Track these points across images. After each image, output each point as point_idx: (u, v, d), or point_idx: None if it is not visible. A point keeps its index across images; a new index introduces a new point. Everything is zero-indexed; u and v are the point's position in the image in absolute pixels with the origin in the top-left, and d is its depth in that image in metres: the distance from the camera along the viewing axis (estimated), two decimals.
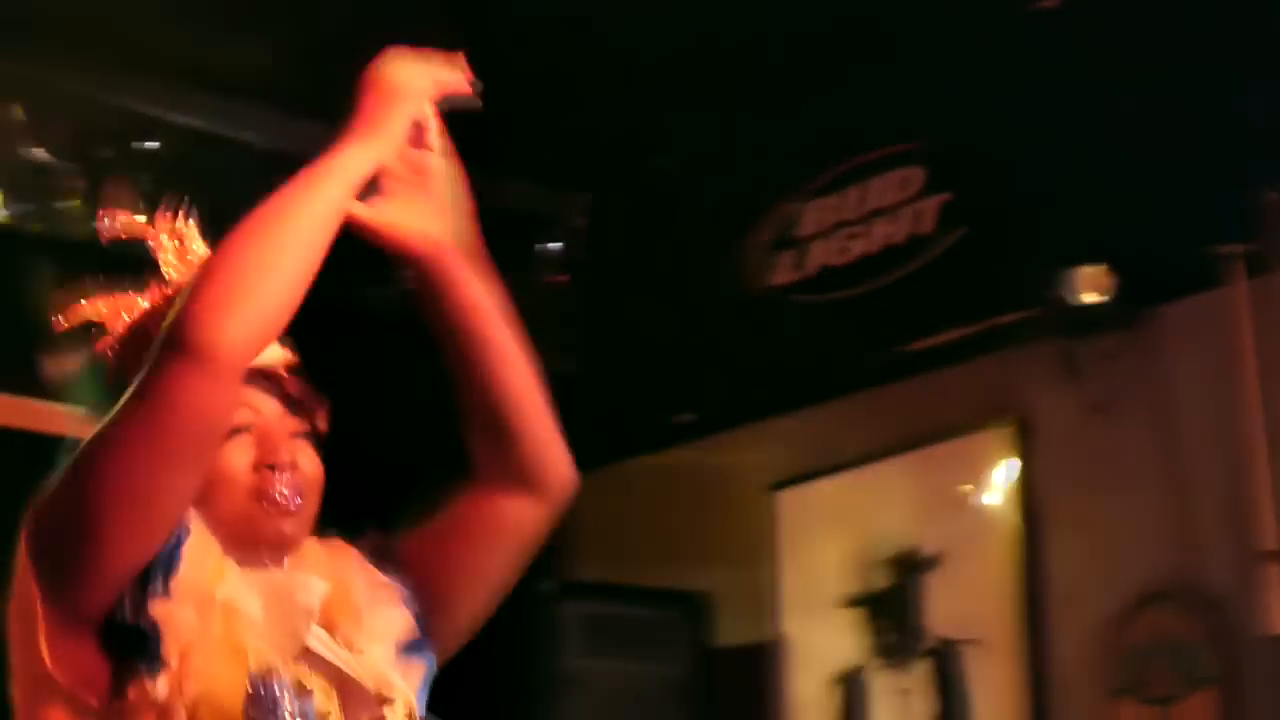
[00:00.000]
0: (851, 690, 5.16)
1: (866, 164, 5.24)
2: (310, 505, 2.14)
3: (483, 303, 2.23)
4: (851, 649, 5.18)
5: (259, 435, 2.11)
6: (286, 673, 2.05)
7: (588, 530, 5.60)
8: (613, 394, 5.47)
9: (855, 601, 5.19)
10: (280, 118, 4.93)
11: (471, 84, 2.19)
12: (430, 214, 2.21)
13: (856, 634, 5.18)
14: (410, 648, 2.20)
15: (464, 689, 5.36)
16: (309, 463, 2.14)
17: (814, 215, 5.32)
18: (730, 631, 5.29)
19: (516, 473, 2.26)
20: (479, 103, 2.21)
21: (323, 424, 2.17)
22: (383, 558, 2.22)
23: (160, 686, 1.96)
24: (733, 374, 5.39)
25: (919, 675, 5.05)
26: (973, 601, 4.98)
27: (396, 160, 2.17)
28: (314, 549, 2.18)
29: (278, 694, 2.02)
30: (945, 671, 5.00)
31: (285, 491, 2.10)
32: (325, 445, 2.17)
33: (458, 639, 2.31)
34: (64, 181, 4.90)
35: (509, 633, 5.03)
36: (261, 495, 2.09)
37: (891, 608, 5.13)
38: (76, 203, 4.89)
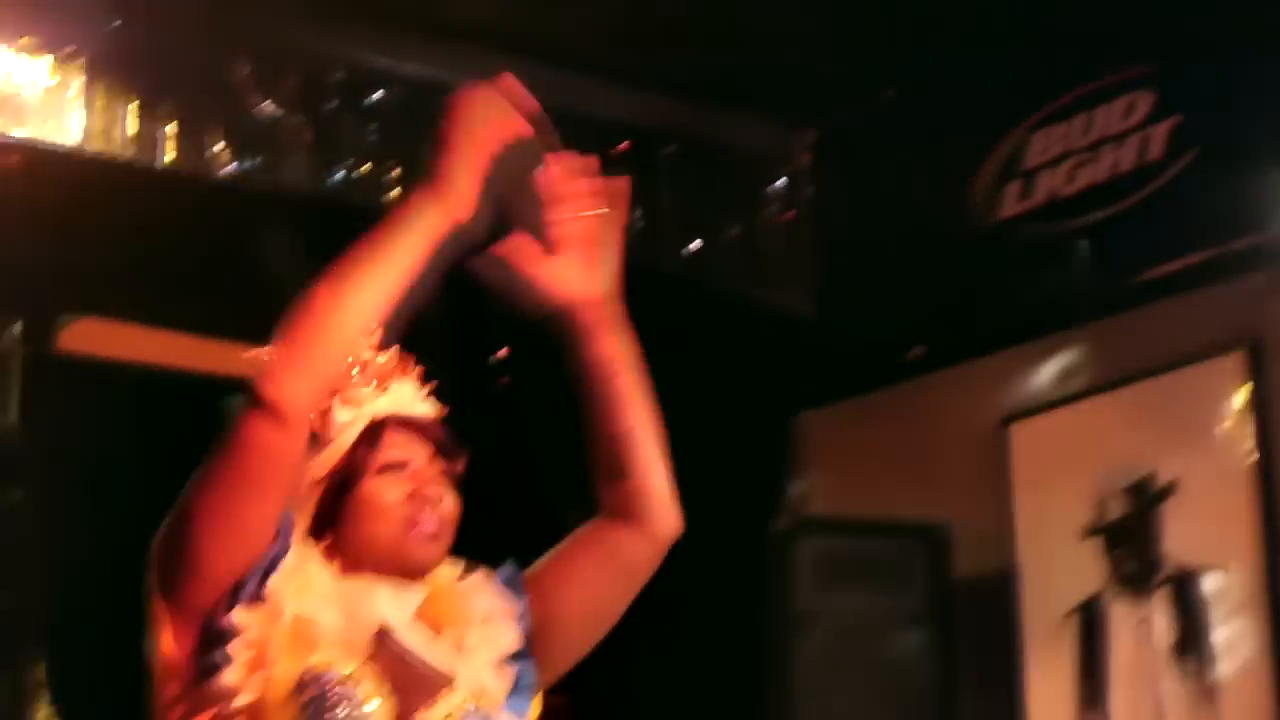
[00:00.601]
0: (1090, 620, 5.14)
1: (1093, 92, 5.19)
2: (448, 535, 2.51)
3: (615, 356, 2.55)
4: (1089, 579, 5.16)
5: (411, 474, 2.49)
6: (342, 667, 2.39)
7: (821, 466, 5.65)
8: (844, 331, 5.49)
9: (1092, 531, 5.17)
10: (506, 65, 5.00)
11: (525, 97, 2.41)
12: (576, 268, 2.51)
13: (1094, 564, 5.16)
14: (514, 658, 2.53)
15: (701, 628, 5.45)
16: (450, 500, 2.52)
17: (1040, 145, 5.29)
18: (966, 564, 5.29)
19: (630, 512, 2.60)
20: (536, 105, 2.40)
21: (461, 468, 2.54)
22: (510, 584, 2.58)
23: (228, 678, 2.35)
24: (963, 307, 5.38)
25: (1158, 604, 5.03)
26: (1211, 528, 4.94)
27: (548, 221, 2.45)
28: (447, 570, 2.55)
29: (325, 685, 2.36)
30: (1184, 599, 4.97)
31: (431, 523, 2.48)
32: (470, 483, 2.53)
33: (565, 659, 2.63)
34: (291, 135, 4.99)
35: (745, 572, 5.13)
36: (410, 524, 2.47)
37: (1129, 536, 5.10)
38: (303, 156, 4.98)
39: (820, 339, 5.52)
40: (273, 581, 2.38)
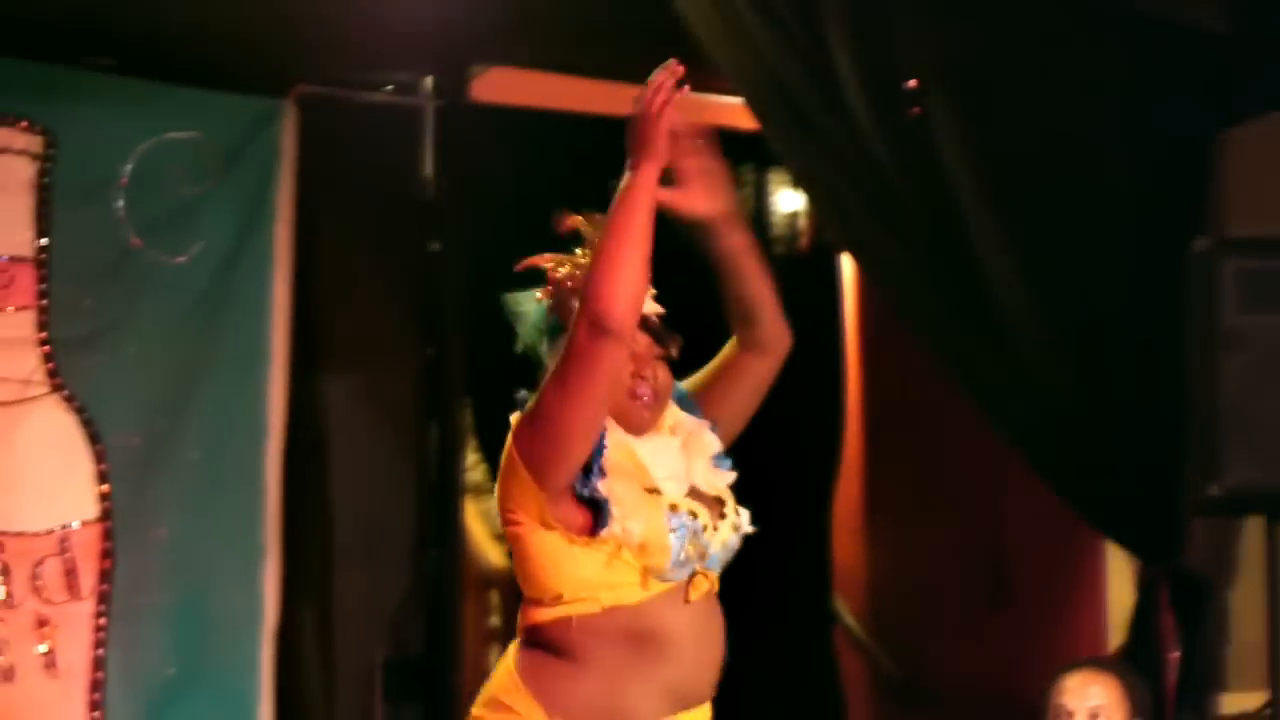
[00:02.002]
0: None
1: None
2: (663, 401, 3.40)
3: (738, 245, 3.43)
4: None
5: (635, 358, 3.34)
6: (686, 505, 3.33)
7: (1241, 186, 5.46)
8: (1265, 44, 5.27)
9: None
10: None
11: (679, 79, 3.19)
12: (708, 194, 3.38)
13: None
14: (719, 460, 3.47)
15: (1126, 350, 5.34)
16: (664, 375, 3.39)
17: None
18: None
19: (760, 342, 3.50)
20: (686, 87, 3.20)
21: (675, 350, 3.39)
22: (687, 403, 3.48)
23: (616, 528, 3.25)
24: None
25: None
26: None
27: (682, 165, 3.32)
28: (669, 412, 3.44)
29: (684, 520, 3.30)
30: None
31: (647, 395, 3.37)
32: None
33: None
34: None
35: (1167, 292, 5.02)
36: (634, 396, 3.36)
37: None
38: None
39: (1240, 53, 5.30)
40: (611, 455, 3.27)
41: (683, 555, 3.28)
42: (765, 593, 6.28)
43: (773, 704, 6.26)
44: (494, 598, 6.13)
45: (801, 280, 6.45)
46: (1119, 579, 5.67)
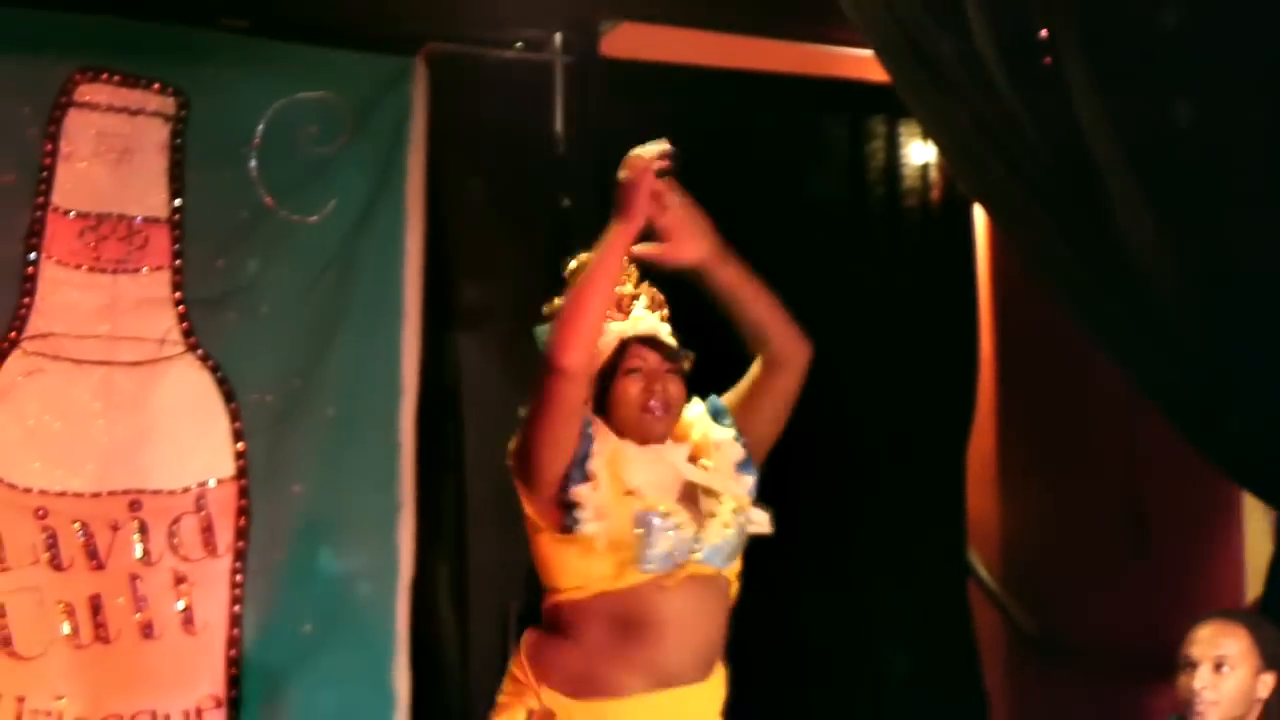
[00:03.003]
0: None
1: None
2: (675, 414, 3.76)
3: (732, 278, 3.72)
4: None
5: (645, 374, 3.73)
6: (659, 504, 3.64)
7: None
8: None
9: None
10: None
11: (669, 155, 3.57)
12: (692, 242, 3.67)
13: None
14: (741, 466, 3.81)
15: None
16: (676, 389, 3.75)
17: None
18: None
19: (776, 360, 3.81)
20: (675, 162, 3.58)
21: (688, 365, 3.76)
22: (719, 413, 3.84)
23: (585, 528, 3.61)
24: None
25: None
26: None
27: (661, 219, 3.62)
28: (687, 421, 3.80)
29: (650, 519, 3.60)
30: None
31: (658, 408, 3.71)
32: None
33: (760, 460, 3.86)
34: None
35: None
36: (644, 409, 3.71)
37: None
38: None
39: None
40: (592, 463, 3.63)
41: (657, 551, 3.61)
42: (899, 546, 6.26)
43: (906, 657, 6.24)
44: None
45: (933, 233, 6.39)
46: (1256, 530, 5.61)
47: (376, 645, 5.22)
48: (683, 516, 3.69)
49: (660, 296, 3.86)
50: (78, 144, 5.00)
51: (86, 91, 5.01)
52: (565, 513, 3.66)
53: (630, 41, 5.48)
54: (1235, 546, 5.74)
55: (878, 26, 4.99)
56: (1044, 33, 4.96)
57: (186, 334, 5.08)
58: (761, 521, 3.82)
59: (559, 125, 5.43)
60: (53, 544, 4.91)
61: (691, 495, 3.78)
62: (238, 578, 5.08)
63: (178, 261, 5.08)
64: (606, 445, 3.71)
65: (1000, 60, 4.90)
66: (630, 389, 3.74)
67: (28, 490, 4.91)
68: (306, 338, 5.19)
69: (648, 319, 3.84)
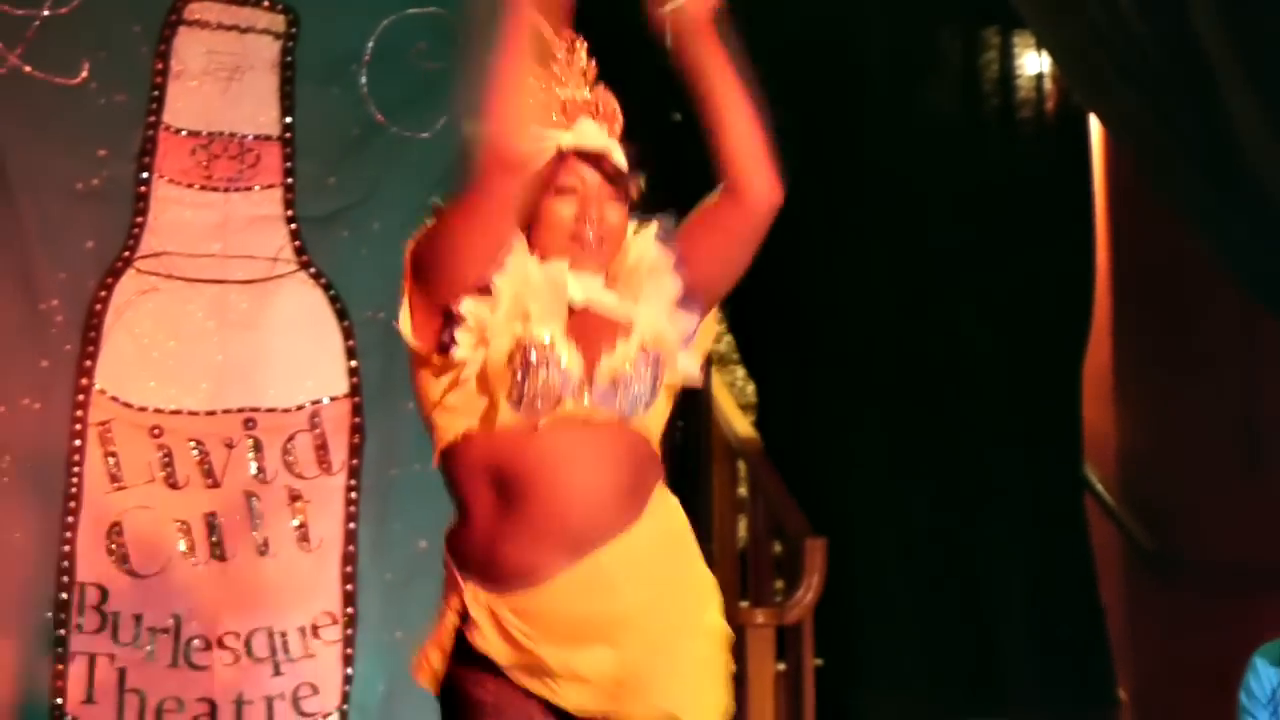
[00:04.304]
0: None
1: None
2: (611, 247, 3.20)
3: (710, 58, 3.19)
4: None
5: (580, 197, 3.18)
6: (543, 335, 3.09)
7: None
8: None
9: None
10: None
11: None
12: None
13: None
14: (681, 303, 3.22)
15: None
16: (616, 217, 3.20)
17: None
18: None
19: (731, 187, 3.20)
20: None
21: (634, 192, 3.22)
22: (665, 239, 3.25)
23: (459, 352, 3.11)
24: None
25: None
26: None
27: None
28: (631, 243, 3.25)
29: (530, 350, 3.08)
30: None
31: (589, 237, 3.16)
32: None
33: (709, 301, 3.28)
34: None
35: None
36: (574, 238, 3.17)
37: None
38: None
39: None
40: (497, 278, 3.11)
41: (526, 389, 3.08)
42: (1015, 462, 6.22)
43: (1023, 572, 6.21)
44: (741, 467, 6.13)
45: (1048, 144, 6.33)
46: None
47: None
48: (568, 351, 3.12)
49: (614, 106, 3.28)
50: (188, 62, 5.00)
51: (196, 9, 5.02)
52: (445, 328, 3.12)
53: None
54: None
55: None
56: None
57: (299, 252, 5.08)
58: (687, 368, 3.26)
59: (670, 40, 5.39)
60: (168, 462, 4.94)
61: (606, 330, 3.17)
62: (353, 495, 5.09)
63: (289, 180, 5.08)
64: (519, 262, 3.14)
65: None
66: (560, 210, 3.17)
67: (143, 409, 4.93)
68: None
69: (594, 131, 3.23)
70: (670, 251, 3.24)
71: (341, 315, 5.11)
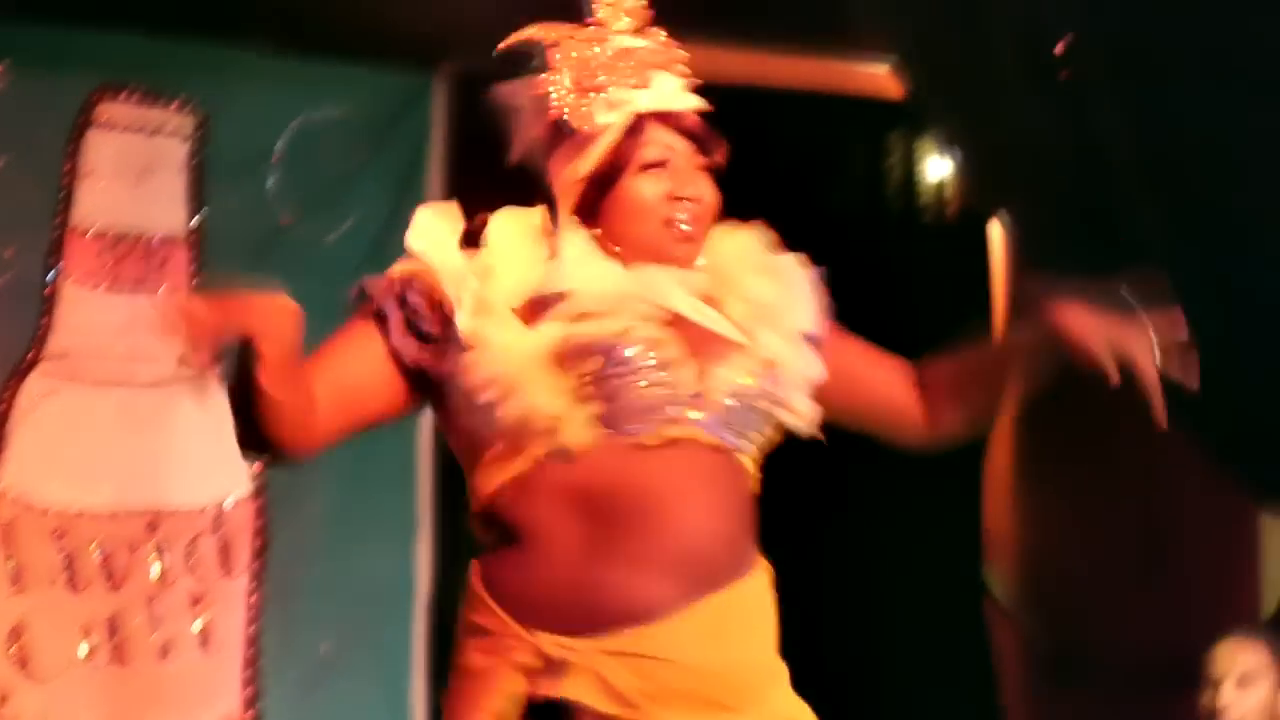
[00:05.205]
0: None
1: None
2: (705, 229, 2.64)
3: (1032, 366, 2.83)
4: None
5: (671, 171, 2.59)
6: (641, 333, 2.53)
7: None
8: None
9: None
10: None
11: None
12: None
13: None
14: (807, 339, 2.71)
15: None
16: (709, 193, 2.63)
17: None
18: None
19: (928, 425, 2.89)
20: None
21: (722, 158, 2.65)
22: (818, 283, 2.78)
23: (502, 419, 2.53)
24: None
25: None
26: None
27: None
28: (724, 241, 2.71)
29: (617, 349, 2.50)
30: None
31: (688, 221, 2.60)
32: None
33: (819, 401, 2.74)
34: None
35: None
36: (669, 223, 2.59)
37: None
38: None
39: None
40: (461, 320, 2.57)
41: (621, 400, 2.51)
42: (914, 561, 6.25)
43: (922, 675, 6.23)
44: None
45: (949, 249, 6.39)
46: (1275, 544, 5.61)
47: (395, 664, 5.21)
48: (675, 352, 2.56)
49: (680, 51, 2.70)
50: (98, 163, 5.00)
51: (106, 111, 5.01)
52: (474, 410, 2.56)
53: None
54: (1253, 561, 5.74)
55: (898, 37, 5.00)
56: (1060, 46, 4.96)
57: None
58: (806, 412, 2.68)
59: None
60: (70, 564, 4.90)
61: (710, 342, 2.62)
62: (254, 598, 5.07)
63: (196, 280, 5.08)
64: (587, 255, 2.59)
65: (1020, 72, 4.90)
66: (646, 191, 2.59)
67: (45, 511, 4.89)
68: None
69: (674, 86, 2.65)
70: (820, 295, 2.79)
71: None
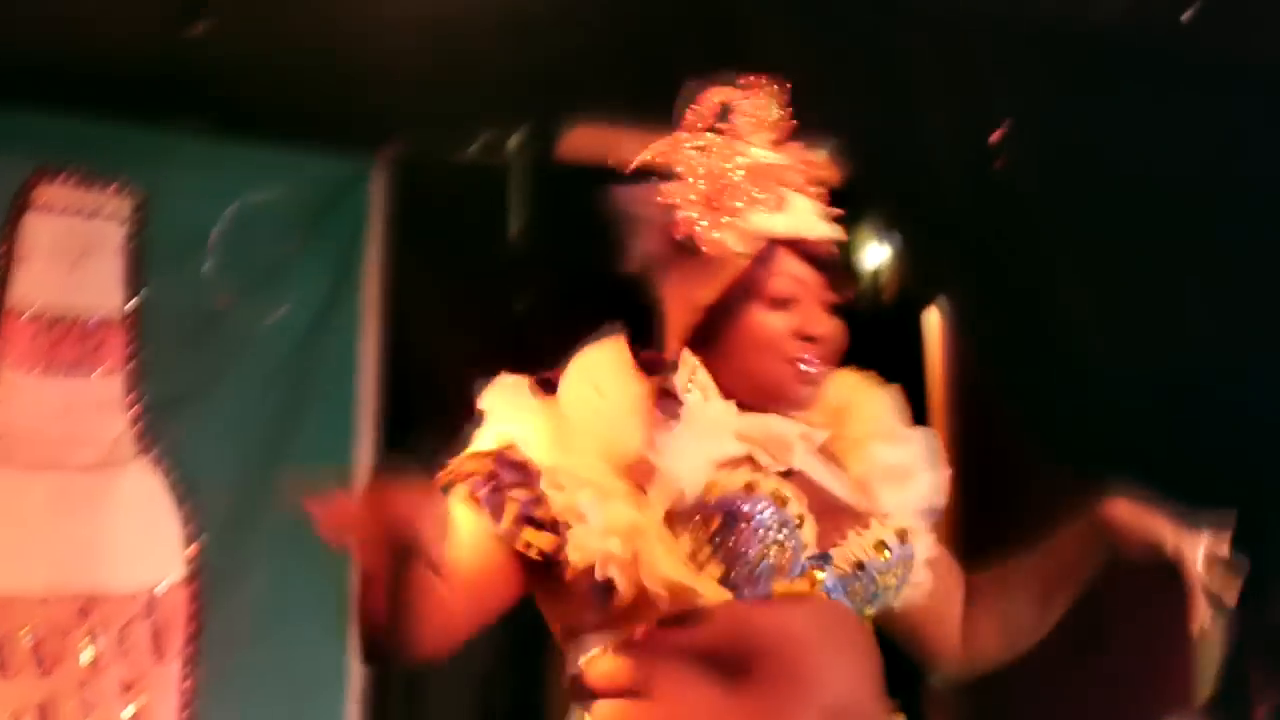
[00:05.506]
0: None
1: None
2: (829, 371, 2.44)
3: (1063, 566, 2.74)
4: None
5: (800, 308, 2.38)
6: (768, 487, 2.32)
7: None
8: None
9: None
10: None
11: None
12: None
13: None
14: (925, 515, 2.54)
15: None
16: (837, 332, 2.43)
17: None
18: None
19: (963, 662, 2.78)
20: None
21: (850, 295, 2.46)
22: (934, 451, 2.59)
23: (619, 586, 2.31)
24: None
25: None
26: None
27: None
28: (844, 387, 2.54)
29: (743, 505, 2.29)
30: None
31: (813, 363, 2.39)
32: None
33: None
34: None
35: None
36: (793, 362, 2.38)
37: None
38: None
39: None
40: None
41: (749, 556, 2.32)
42: None
43: None
44: None
45: (885, 335, 6.40)
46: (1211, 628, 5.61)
47: None
48: (798, 510, 2.34)
49: (826, 170, 2.51)
50: (34, 246, 4.97)
51: (43, 194, 4.99)
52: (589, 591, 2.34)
53: (591, 144, 5.48)
54: (1189, 644, 5.75)
55: (835, 123, 5.02)
56: (996, 135, 5.00)
57: (139, 437, 5.04)
58: (923, 585, 2.57)
59: (518, 229, 5.43)
60: (1, 649, 4.84)
61: (831, 503, 2.42)
62: (188, 683, 5.02)
63: (132, 364, 5.05)
64: (705, 402, 2.35)
65: (955, 160, 4.94)
66: (773, 327, 2.38)
67: None
68: (261, 440, 5.14)
69: (812, 213, 2.45)
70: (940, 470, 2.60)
71: (182, 500, 5.06)
